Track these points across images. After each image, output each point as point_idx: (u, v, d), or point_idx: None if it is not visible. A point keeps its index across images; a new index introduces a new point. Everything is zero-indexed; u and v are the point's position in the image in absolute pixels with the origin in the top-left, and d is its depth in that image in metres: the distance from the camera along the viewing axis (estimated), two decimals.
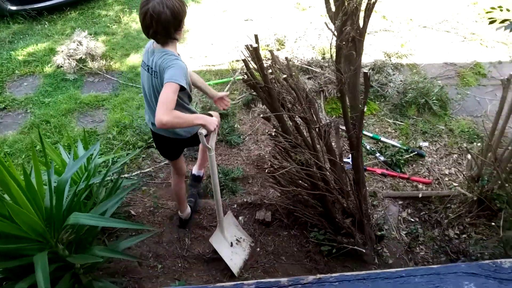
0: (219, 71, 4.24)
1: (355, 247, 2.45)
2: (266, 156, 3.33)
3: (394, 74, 4.01)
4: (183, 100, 2.08)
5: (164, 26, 1.84)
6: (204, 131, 2.02)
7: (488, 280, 0.59)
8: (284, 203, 2.75)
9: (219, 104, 2.59)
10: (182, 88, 1.85)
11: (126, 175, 2.97)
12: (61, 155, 2.46)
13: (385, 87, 3.87)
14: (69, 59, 4.22)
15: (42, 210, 1.73)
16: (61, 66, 4.25)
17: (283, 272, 2.54)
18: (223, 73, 4.20)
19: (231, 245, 2.53)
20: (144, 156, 3.30)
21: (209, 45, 4.60)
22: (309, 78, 3.78)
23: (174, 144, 2.31)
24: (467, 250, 2.56)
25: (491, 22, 2.20)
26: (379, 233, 2.64)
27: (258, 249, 2.61)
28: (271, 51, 2.44)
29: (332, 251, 2.52)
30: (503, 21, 1.97)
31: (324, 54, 4.11)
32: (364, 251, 2.45)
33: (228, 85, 3.90)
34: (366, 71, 1.97)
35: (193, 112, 2.16)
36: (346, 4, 1.86)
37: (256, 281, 0.59)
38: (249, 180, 3.15)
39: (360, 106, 2.14)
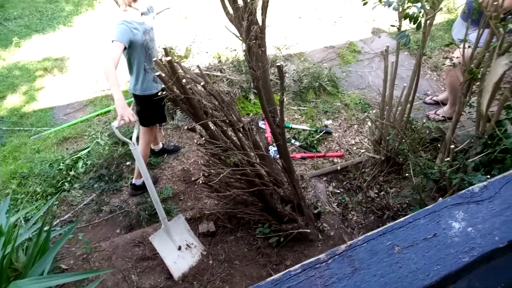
0: None
1: (300, 230, 2.59)
2: (191, 169, 3.29)
3: (286, 65, 4.31)
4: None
5: None
6: (116, 124, 2.12)
7: (469, 205, 0.72)
8: (223, 208, 2.76)
9: None
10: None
11: (45, 228, 2.63)
12: None
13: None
14: None
15: None
16: None
17: (240, 276, 2.56)
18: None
19: (179, 248, 2.47)
20: (57, 203, 2.97)
21: (97, 69, 4.31)
22: (214, 82, 3.83)
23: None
24: (389, 203, 2.91)
25: (364, 3, 2.52)
26: (316, 211, 2.84)
27: (211, 262, 2.58)
28: (178, 62, 2.42)
29: (280, 241, 2.62)
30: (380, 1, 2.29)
31: (219, 57, 4.20)
32: (308, 231, 2.61)
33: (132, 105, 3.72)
34: (279, 64, 2.09)
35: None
36: (248, 4, 1.94)
37: (300, 264, 0.62)
38: (180, 197, 3.08)
39: (279, 97, 2.26)
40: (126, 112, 2.18)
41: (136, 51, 2.49)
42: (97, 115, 3.76)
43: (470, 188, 0.74)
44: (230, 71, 4.04)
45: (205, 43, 4.48)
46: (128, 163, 3.31)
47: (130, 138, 2.22)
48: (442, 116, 3.60)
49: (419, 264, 0.64)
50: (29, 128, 3.58)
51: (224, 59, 4.24)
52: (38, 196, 2.95)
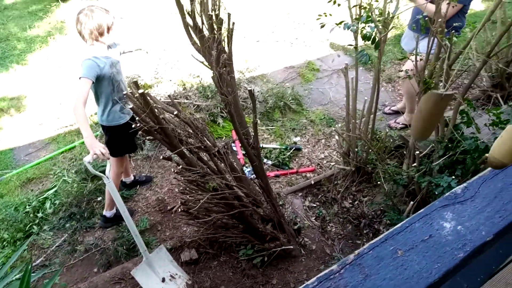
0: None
1: (283, 247, 2.62)
2: (166, 198, 3.25)
3: (251, 88, 4.41)
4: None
5: None
6: (88, 158, 2.14)
7: (455, 205, 0.80)
8: (204, 234, 2.74)
9: None
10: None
11: (17, 276, 2.48)
12: None
13: (248, 100, 4.22)
14: None
15: None
16: None
17: None
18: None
19: (163, 280, 2.42)
20: (27, 247, 2.82)
21: (57, 106, 4.19)
22: (182, 109, 3.84)
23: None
24: (364, 212, 3.02)
25: (322, 26, 2.67)
26: (295, 226, 2.89)
27: None
28: (147, 93, 2.43)
29: (264, 260, 2.64)
30: (339, 24, 2.44)
31: (184, 84, 4.23)
32: (291, 247, 2.65)
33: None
34: (250, 88, 2.16)
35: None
36: (216, 35, 2.01)
37: (316, 277, 0.66)
38: (158, 228, 3.02)
39: (253, 119, 2.32)
40: (96, 146, 2.20)
41: (104, 84, 2.50)
42: (62, 152, 3.64)
43: (453, 190, 0.82)
44: (196, 97, 4.08)
45: (168, 71, 4.50)
46: (99, 198, 3.22)
47: (103, 172, 2.20)
48: (403, 124, 3.83)
49: (421, 264, 0.70)
50: None
51: (188, 86, 4.28)
52: (5, 242, 2.78)
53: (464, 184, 0.83)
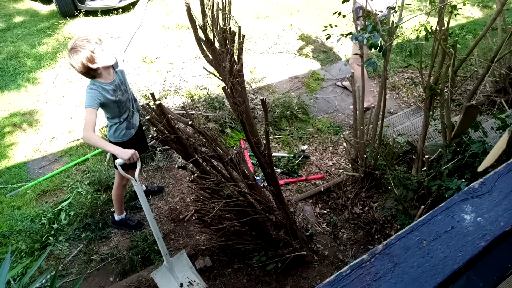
0: None
1: (296, 253, 2.66)
2: (178, 207, 3.31)
3: (256, 98, 4.49)
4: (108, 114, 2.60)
5: None
6: (120, 161, 2.28)
7: (473, 199, 0.86)
8: (218, 242, 2.79)
9: None
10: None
11: (38, 285, 2.53)
12: None
13: (255, 110, 4.30)
14: None
15: None
16: None
17: None
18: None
19: (181, 286, 2.47)
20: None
21: (68, 120, 4.28)
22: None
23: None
24: (374, 217, 3.07)
25: (328, 37, 2.76)
26: (307, 233, 2.93)
27: None
28: (161, 105, 2.51)
29: (278, 267, 2.67)
30: (347, 35, 2.53)
31: (192, 96, 4.32)
32: (304, 253, 2.69)
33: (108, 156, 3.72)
34: (262, 98, 2.23)
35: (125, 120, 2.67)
36: (229, 48, 2.09)
37: (348, 266, 0.71)
38: (171, 236, 3.07)
39: (265, 127, 2.39)
40: (127, 154, 2.31)
41: (109, 107, 2.55)
42: (74, 164, 3.71)
43: (471, 185, 0.88)
44: (204, 108, 4.16)
45: (176, 84, 4.59)
46: (112, 209, 3.27)
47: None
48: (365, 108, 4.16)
49: (446, 253, 0.75)
50: (3, 186, 3.46)
51: (196, 98, 4.37)
52: (23, 253, 2.83)
53: (481, 180, 0.89)
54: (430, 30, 2.44)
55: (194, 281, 2.53)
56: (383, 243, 0.76)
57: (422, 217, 0.80)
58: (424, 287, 0.69)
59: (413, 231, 0.78)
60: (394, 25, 2.58)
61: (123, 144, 2.71)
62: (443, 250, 0.76)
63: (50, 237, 2.98)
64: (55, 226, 3.06)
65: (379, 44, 2.47)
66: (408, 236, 0.78)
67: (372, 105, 4.10)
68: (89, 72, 2.41)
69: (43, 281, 2.53)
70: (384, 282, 0.71)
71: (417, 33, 3.43)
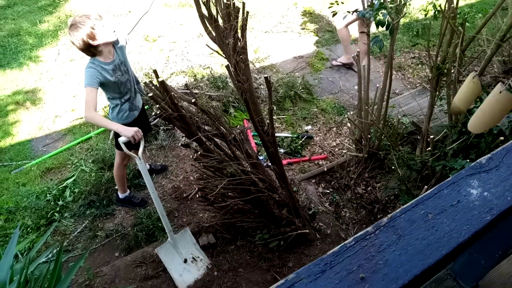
0: None
1: (298, 231, 2.69)
2: (181, 185, 3.33)
3: (260, 77, 4.45)
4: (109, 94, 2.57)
5: None
6: (123, 139, 2.26)
7: (480, 174, 0.85)
8: (221, 219, 2.81)
9: None
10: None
11: (44, 259, 2.58)
12: None
13: (259, 90, 4.26)
14: None
15: None
16: None
17: (246, 283, 2.61)
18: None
19: (185, 261, 2.50)
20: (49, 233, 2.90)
21: (71, 98, 4.27)
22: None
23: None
24: (377, 197, 3.07)
25: (334, 14, 2.70)
26: (310, 212, 2.95)
27: (216, 273, 2.61)
28: (164, 82, 2.49)
29: (280, 244, 2.70)
30: (354, 11, 2.48)
31: (195, 76, 4.28)
32: (307, 231, 2.71)
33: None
34: (266, 75, 2.20)
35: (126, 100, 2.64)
36: (232, 23, 2.05)
37: (353, 237, 0.71)
38: (175, 214, 3.10)
39: (268, 106, 2.37)
40: (130, 131, 2.28)
41: (109, 87, 2.52)
42: (78, 143, 3.72)
43: (478, 160, 0.87)
44: (207, 88, 4.13)
45: (179, 63, 4.55)
46: (116, 187, 3.30)
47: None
48: (340, 62, 4.75)
49: (451, 226, 0.75)
50: (8, 163, 3.49)
51: (199, 77, 4.33)
52: (29, 229, 2.88)
53: (489, 155, 0.88)
54: (438, 8, 2.39)
55: (198, 257, 2.56)
56: (388, 216, 0.76)
57: (429, 191, 0.80)
58: (429, 259, 0.69)
59: (418, 205, 0.78)
60: (402, 2, 2.52)
61: (127, 125, 2.70)
62: (448, 223, 0.76)
63: (56, 214, 3.02)
64: (60, 203, 3.10)
65: (386, 22, 2.42)
66: (413, 210, 0.77)
67: (339, 62, 4.75)
68: (90, 49, 2.37)
69: (49, 255, 2.58)
70: (388, 254, 0.71)
71: (425, 11, 3.36)
